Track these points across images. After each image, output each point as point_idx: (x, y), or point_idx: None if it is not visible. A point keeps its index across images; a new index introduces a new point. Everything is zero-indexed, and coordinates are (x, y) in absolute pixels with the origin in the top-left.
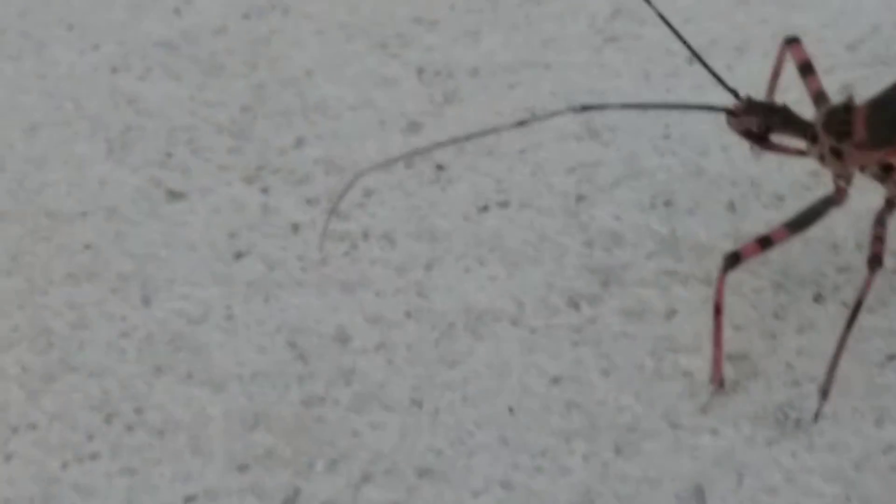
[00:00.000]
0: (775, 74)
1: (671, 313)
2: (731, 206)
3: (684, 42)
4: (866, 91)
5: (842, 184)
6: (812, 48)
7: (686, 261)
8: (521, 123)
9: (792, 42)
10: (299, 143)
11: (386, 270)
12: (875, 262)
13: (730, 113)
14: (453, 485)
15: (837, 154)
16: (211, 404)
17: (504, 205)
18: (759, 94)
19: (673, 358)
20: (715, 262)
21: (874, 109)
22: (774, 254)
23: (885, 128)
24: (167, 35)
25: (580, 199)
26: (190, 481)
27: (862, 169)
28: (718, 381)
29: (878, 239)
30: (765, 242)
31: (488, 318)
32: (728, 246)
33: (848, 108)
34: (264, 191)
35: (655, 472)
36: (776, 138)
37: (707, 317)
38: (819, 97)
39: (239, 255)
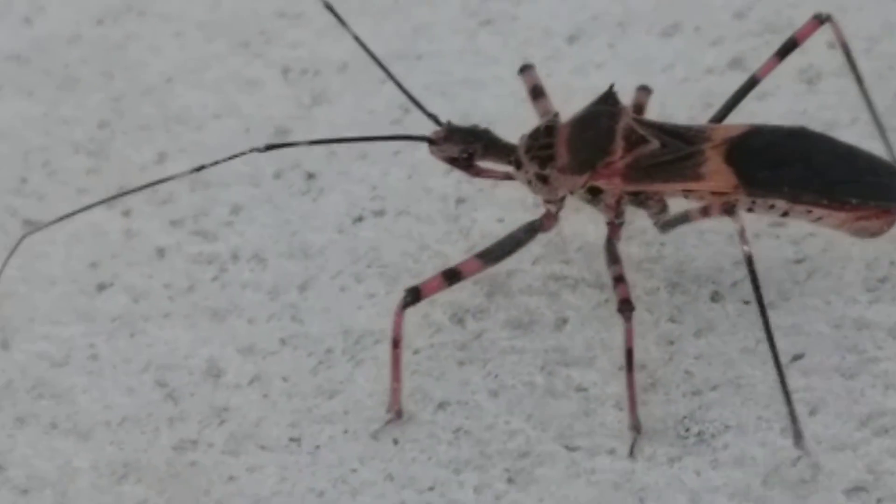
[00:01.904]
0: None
1: (561, 323)
2: None
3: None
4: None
5: (552, 209)
6: (698, 19)
7: (575, 264)
8: (198, 169)
9: (525, 69)
10: (161, 158)
11: (257, 294)
12: (626, 307)
13: (430, 142)
14: None
15: (543, 179)
16: (77, 455)
17: (380, 213)
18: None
19: (565, 373)
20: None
21: (575, 129)
22: (668, 249)
23: (586, 150)
24: (17, 48)
25: (460, 201)
26: None
27: (570, 193)
28: (396, 412)
29: (620, 279)
30: (452, 276)
31: (368, 341)
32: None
33: (550, 129)
34: (126, 214)
35: (551, 501)
36: (485, 164)
37: (600, 325)
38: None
39: (102, 287)
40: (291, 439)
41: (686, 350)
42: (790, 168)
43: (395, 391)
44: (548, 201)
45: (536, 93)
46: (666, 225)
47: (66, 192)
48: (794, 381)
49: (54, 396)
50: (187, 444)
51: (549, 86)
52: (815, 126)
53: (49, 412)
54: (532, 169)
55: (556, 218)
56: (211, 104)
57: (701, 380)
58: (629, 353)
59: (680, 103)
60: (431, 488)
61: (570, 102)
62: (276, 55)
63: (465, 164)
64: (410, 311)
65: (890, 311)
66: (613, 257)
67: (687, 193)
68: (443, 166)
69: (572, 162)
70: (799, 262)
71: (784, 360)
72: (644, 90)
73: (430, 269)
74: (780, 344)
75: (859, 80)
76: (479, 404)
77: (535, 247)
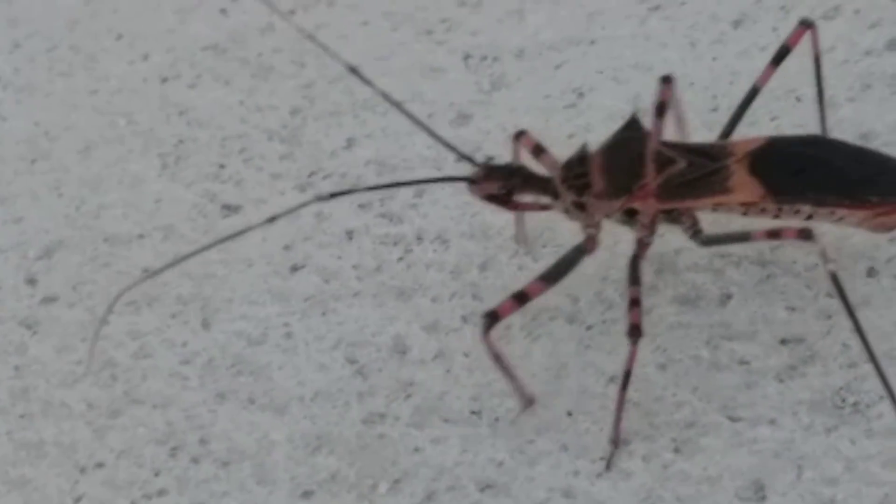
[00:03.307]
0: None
1: (725, 298)
2: None
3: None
4: None
5: (592, 232)
6: (858, 2)
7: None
8: (271, 220)
9: (520, 135)
10: (350, 143)
11: (441, 274)
12: (635, 332)
13: (470, 181)
14: (515, 497)
15: (581, 207)
16: (274, 429)
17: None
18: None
19: (729, 346)
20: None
21: (607, 157)
22: (825, 226)
23: (621, 175)
24: (214, 38)
25: None
26: None
27: (607, 216)
28: (527, 400)
29: (635, 303)
30: (521, 298)
31: (544, 318)
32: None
33: (582, 159)
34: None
35: (715, 469)
36: (522, 197)
37: (762, 300)
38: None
39: (295, 269)
40: (472, 412)
41: (843, 324)
42: (811, 174)
43: (519, 387)
44: (587, 226)
45: (538, 151)
46: (709, 241)
47: (261, 178)
48: None
49: (252, 373)
50: (375, 417)
51: (715, 69)
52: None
53: (247, 388)
54: (570, 198)
55: (597, 240)
56: (396, 90)
57: (857, 352)
58: (627, 375)
59: (839, 84)
60: (603, 457)
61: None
62: (458, 42)
63: (504, 199)
64: (584, 286)
65: None
66: (635, 278)
67: (716, 207)
68: None
69: (609, 188)
70: None
71: None
72: (666, 81)
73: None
74: None
75: (820, 90)
76: (648, 377)
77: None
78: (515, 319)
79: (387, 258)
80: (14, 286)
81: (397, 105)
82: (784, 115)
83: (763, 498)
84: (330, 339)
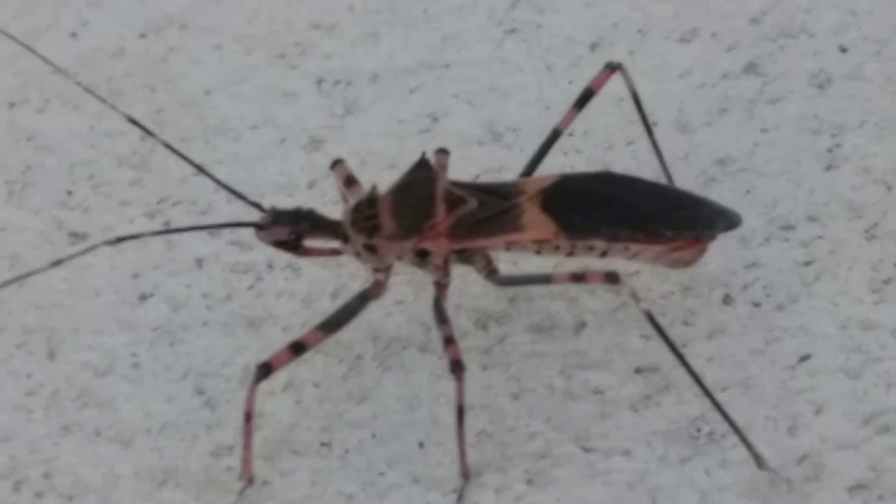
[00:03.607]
0: (343, 196)
1: (580, 327)
2: None
3: None
4: (772, 68)
5: (381, 277)
6: (715, 25)
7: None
8: (56, 263)
9: (336, 164)
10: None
11: (292, 302)
12: (458, 368)
13: (257, 227)
14: None
15: (371, 249)
16: (120, 462)
17: None
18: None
19: (583, 376)
20: (623, 269)
21: (397, 198)
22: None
23: (411, 215)
24: (64, 62)
25: None
26: None
27: (399, 258)
28: (248, 478)
29: (450, 340)
30: (297, 348)
31: (397, 347)
32: None
33: (372, 201)
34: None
35: (568, 501)
36: (312, 243)
37: (617, 328)
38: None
39: (143, 297)
40: (322, 444)
41: (699, 352)
42: (604, 209)
43: (246, 460)
44: (377, 270)
45: (349, 182)
46: (506, 281)
47: (110, 205)
48: (800, 381)
49: (98, 405)
50: (224, 449)
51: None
52: (826, 128)
53: (93, 420)
54: (360, 240)
55: (385, 285)
56: (248, 115)
57: (712, 381)
58: (460, 410)
59: (696, 108)
60: (455, 490)
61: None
62: (311, 66)
63: (293, 245)
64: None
65: (893, 312)
66: (442, 317)
67: (509, 245)
68: (469, 171)
69: (399, 228)
70: (808, 264)
71: (792, 361)
72: (443, 153)
73: (454, 275)
74: (787, 346)
75: (647, 126)
76: (501, 408)
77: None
78: (367, 349)
79: (237, 286)
80: None
81: (197, 166)
82: (640, 139)
83: None
84: (178, 370)
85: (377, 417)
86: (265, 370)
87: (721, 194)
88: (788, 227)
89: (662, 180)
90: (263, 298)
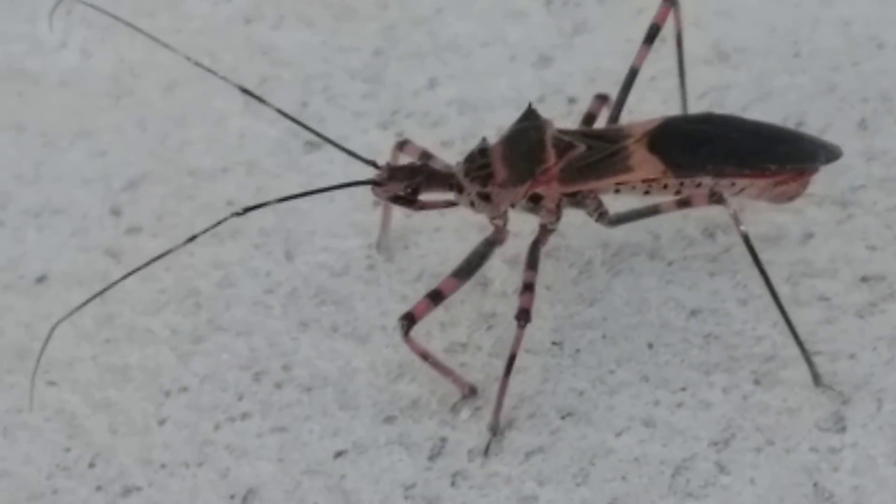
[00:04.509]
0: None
1: (807, 237)
2: (863, 124)
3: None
4: None
5: (499, 223)
6: None
7: (820, 182)
8: (191, 239)
9: (403, 145)
10: (432, 84)
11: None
12: (523, 317)
13: (375, 184)
14: (596, 424)
15: (485, 198)
16: (356, 357)
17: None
18: None
19: (809, 283)
20: (850, 183)
21: (507, 146)
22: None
23: (522, 161)
24: None
25: None
26: (339, 436)
27: (513, 205)
28: (469, 389)
29: (529, 288)
30: (436, 297)
31: (626, 253)
32: (861, 165)
33: (484, 151)
34: (399, 135)
35: (795, 401)
36: (427, 196)
37: (843, 239)
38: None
39: (377, 203)
40: (554, 343)
41: None
42: (709, 147)
43: (455, 379)
44: (493, 217)
45: (424, 158)
46: (617, 220)
47: (344, 116)
48: None
49: (335, 303)
50: (457, 346)
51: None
52: None
53: (330, 317)
54: (474, 189)
55: (505, 230)
56: (478, 33)
57: None
58: (512, 359)
59: None
60: (683, 388)
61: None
62: None
63: (409, 199)
64: (665, 224)
65: None
66: (533, 263)
67: (619, 187)
68: (696, 89)
69: (511, 175)
70: None
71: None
72: (600, 99)
73: None
74: None
75: (682, 64)
76: (729, 312)
77: None
78: (596, 254)
79: None
80: (99, 217)
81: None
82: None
83: (843, 429)
84: (412, 272)
85: (607, 319)
86: (409, 320)
87: None
88: None
89: (872, 119)
90: None
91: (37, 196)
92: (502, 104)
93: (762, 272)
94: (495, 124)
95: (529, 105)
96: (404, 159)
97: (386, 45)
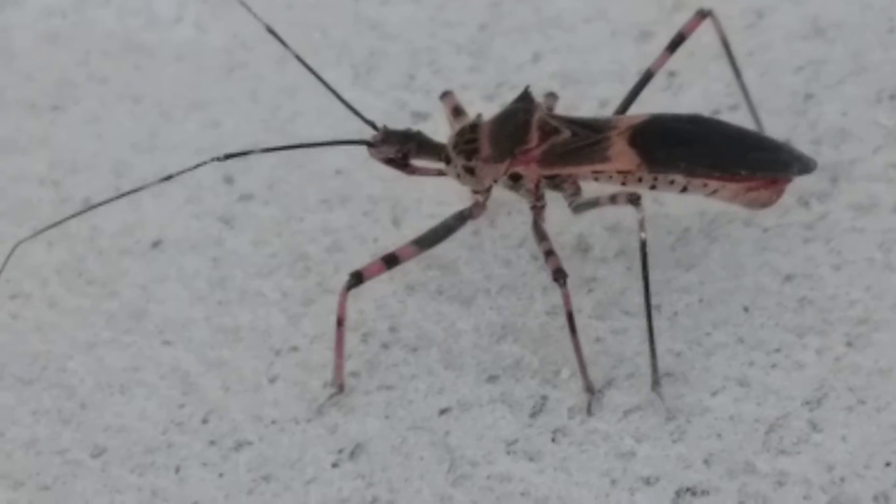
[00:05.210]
0: (451, 125)
1: None
2: None
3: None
4: None
5: (480, 199)
6: None
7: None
8: (167, 178)
9: (445, 95)
10: (536, 58)
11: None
12: (560, 275)
13: (369, 144)
14: (693, 385)
15: (470, 171)
16: (460, 319)
17: (734, 108)
18: None
19: None
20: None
21: (496, 125)
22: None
23: (505, 141)
24: None
25: (808, 97)
26: (443, 394)
27: (495, 181)
28: (338, 386)
29: (550, 253)
30: (390, 261)
31: (722, 221)
32: None
33: (474, 126)
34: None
35: (886, 362)
36: (419, 162)
37: None
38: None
39: None
40: (652, 305)
41: None
42: (685, 146)
43: (338, 367)
44: (476, 191)
45: (456, 112)
46: (579, 207)
47: (450, 88)
48: None
49: (440, 267)
50: (559, 309)
51: None
52: None
53: (435, 281)
54: (460, 162)
55: (485, 206)
56: (581, 9)
57: None
58: (570, 316)
59: None
60: (778, 350)
61: None
62: None
63: (401, 163)
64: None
65: None
66: (541, 236)
67: (597, 175)
68: (793, 64)
69: (494, 152)
70: None
71: None
72: (551, 97)
73: None
74: None
75: (736, 70)
76: (822, 277)
77: (876, 137)
78: (694, 222)
79: None
80: (212, 184)
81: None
82: None
83: None
84: (515, 238)
85: (703, 283)
86: (357, 279)
87: None
88: None
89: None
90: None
91: (152, 165)
92: (604, 78)
93: (645, 279)
94: (598, 97)
95: (526, 87)
96: (443, 109)
97: (491, 20)
